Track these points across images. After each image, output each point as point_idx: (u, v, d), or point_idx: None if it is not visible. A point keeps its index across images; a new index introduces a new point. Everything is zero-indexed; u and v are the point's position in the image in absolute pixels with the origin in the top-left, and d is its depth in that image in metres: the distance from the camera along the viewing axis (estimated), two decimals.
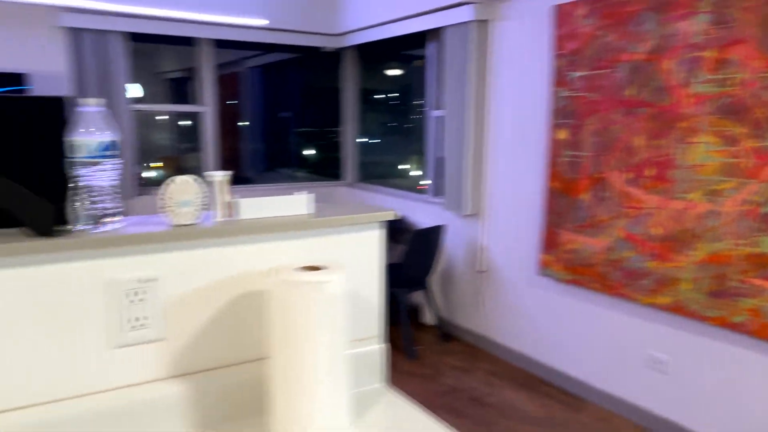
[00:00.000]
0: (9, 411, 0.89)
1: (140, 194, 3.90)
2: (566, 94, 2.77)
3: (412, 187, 4.34)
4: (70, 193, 0.94)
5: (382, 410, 1.08)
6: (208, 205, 1.03)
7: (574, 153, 2.77)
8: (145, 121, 4.16)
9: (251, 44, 4.35)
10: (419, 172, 4.45)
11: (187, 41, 4.09)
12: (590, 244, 2.72)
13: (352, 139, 4.77)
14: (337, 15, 4.36)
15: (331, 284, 0.94)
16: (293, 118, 5.15)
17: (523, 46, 3.05)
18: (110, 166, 0.94)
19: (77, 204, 0.94)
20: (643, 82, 2.44)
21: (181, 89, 4.76)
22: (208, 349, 1.03)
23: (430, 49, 3.81)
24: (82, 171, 0.92)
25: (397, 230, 4.00)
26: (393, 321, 3.77)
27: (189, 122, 4.35)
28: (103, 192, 0.94)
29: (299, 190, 0.98)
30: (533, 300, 3.10)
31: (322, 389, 0.95)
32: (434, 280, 3.76)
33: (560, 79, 2.79)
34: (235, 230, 1.03)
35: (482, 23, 3.23)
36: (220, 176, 1.05)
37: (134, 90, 4.04)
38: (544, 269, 2.97)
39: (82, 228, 0.94)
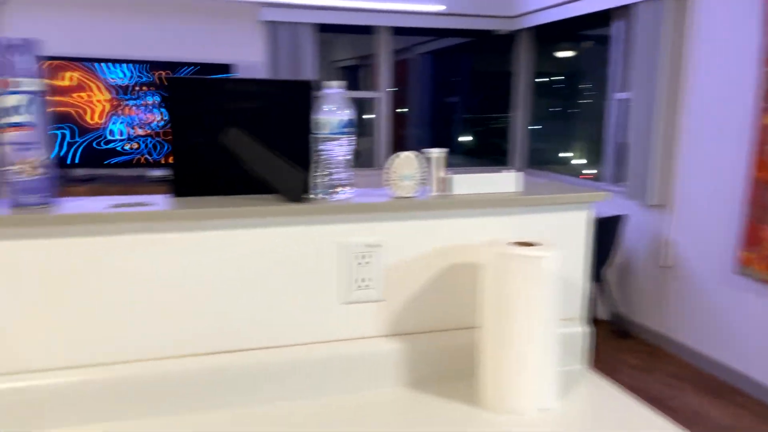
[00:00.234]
0: (256, 350, 1.03)
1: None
2: None
3: (574, 175, 4.16)
4: (312, 165, 1.06)
5: (588, 391, 1.07)
6: (425, 180, 1.10)
7: None
8: None
9: (426, 30, 4.45)
10: (583, 161, 4.25)
11: (366, 30, 4.29)
12: None
13: (522, 124, 4.68)
14: None
15: (547, 260, 0.96)
16: (459, 103, 5.19)
17: (726, 22, 2.76)
18: (346, 141, 1.04)
19: (317, 175, 1.06)
20: None
21: (351, 77, 5.03)
22: (421, 313, 1.11)
23: (615, 28, 3.60)
24: (323, 146, 1.04)
25: None
26: None
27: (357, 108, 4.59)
28: (339, 165, 1.05)
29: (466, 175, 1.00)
30: (727, 300, 2.82)
31: (531, 362, 0.98)
32: (610, 273, 3.58)
33: None
34: (449, 204, 1.08)
35: None
36: (437, 153, 1.11)
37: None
38: (743, 268, 2.69)
39: (321, 196, 1.06)
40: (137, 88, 3.70)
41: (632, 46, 3.28)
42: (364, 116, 4.47)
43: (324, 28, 4.11)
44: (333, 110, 1.03)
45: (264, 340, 1.04)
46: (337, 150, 1.04)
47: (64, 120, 3.64)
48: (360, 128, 4.52)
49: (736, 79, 2.72)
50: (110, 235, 0.94)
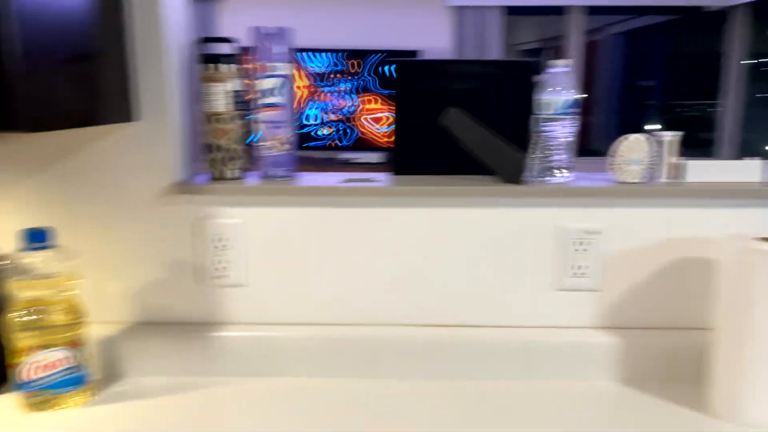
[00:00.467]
0: (465, 326, 1.05)
1: None
2: None
3: None
4: (530, 146, 1.05)
5: None
6: (654, 165, 1.03)
7: None
8: None
9: (625, 8, 4.13)
10: None
11: (557, 10, 4.11)
12: None
13: (733, 111, 4.16)
14: None
15: None
16: (655, 88, 4.75)
17: None
18: (570, 122, 1.01)
19: (536, 157, 1.04)
20: None
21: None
22: (642, 308, 1.04)
23: None
24: (545, 126, 1.01)
25: None
26: None
27: None
28: (560, 146, 1.02)
29: None
30: None
31: None
32: None
33: None
34: (682, 192, 1.00)
35: None
36: (670, 137, 1.02)
37: None
38: None
39: (539, 179, 1.04)
40: (332, 76, 3.96)
41: None
42: None
43: (511, 11, 4.02)
44: (558, 90, 1.00)
45: (473, 318, 1.06)
46: (560, 131, 1.01)
47: None
48: None
49: None
50: (341, 207, 1.02)
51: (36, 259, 0.90)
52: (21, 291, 0.90)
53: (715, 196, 1.00)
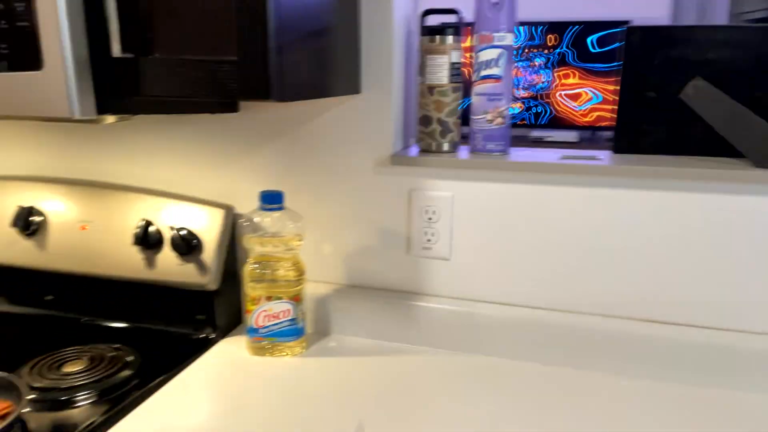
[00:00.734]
0: (688, 326, 0.94)
1: None
2: None
3: None
4: None
5: None
6: None
7: None
8: None
9: None
10: None
11: None
12: None
13: None
14: None
15: None
16: None
17: None
18: None
19: None
20: None
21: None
22: None
23: None
24: None
25: None
26: None
27: None
28: None
29: None
30: None
31: None
32: None
33: None
34: None
35: None
36: None
37: None
38: None
39: None
40: (526, 50, 3.81)
41: None
42: None
43: None
44: None
45: (703, 318, 0.94)
46: None
47: None
48: None
49: None
50: (558, 185, 0.96)
51: (269, 218, 0.99)
52: (254, 246, 1.00)
53: None
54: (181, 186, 1.15)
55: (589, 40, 3.63)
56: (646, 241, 0.94)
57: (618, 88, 0.99)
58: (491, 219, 1.01)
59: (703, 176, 0.89)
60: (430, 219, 1.03)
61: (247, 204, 1.12)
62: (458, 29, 0.99)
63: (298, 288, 1.02)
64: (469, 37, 1.09)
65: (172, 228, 1.05)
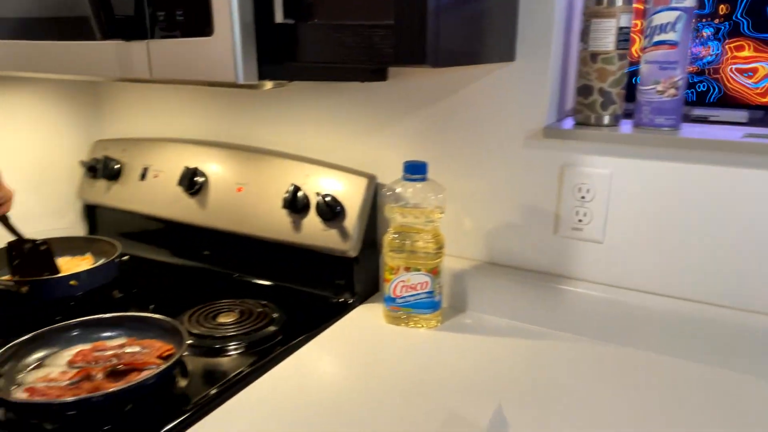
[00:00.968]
0: None
1: None
2: None
3: None
4: None
5: None
6: None
7: None
8: None
9: None
10: None
11: None
12: None
13: None
14: None
15: None
16: None
17: None
18: None
19: None
20: None
21: None
22: None
23: None
24: None
25: None
26: None
27: None
28: None
29: None
30: None
31: None
32: None
33: None
34: None
35: None
36: None
37: None
38: None
39: None
40: (694, 20, 3.43)
41: None
42: None
43: None
44: None
45: None
46: None
47: None
48: None
49: None
50: (739, 166, 0.85)
51: (411, 189, 0.98)
52: (395, 216, 1.00)
53: None
54: (327, 153, 1.17)
55: None
56: None
57: None
58: (654, 201, 0.92)
59: None
60: (583, 198, 0.96)
61: (389, 173, 1.12)
62: None
63: (437, 261, 1.00)
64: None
65: (318, 194, 1.08)
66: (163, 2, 0.76)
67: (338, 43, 0.72)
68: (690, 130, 0.90)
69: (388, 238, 1.01)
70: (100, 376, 0.81)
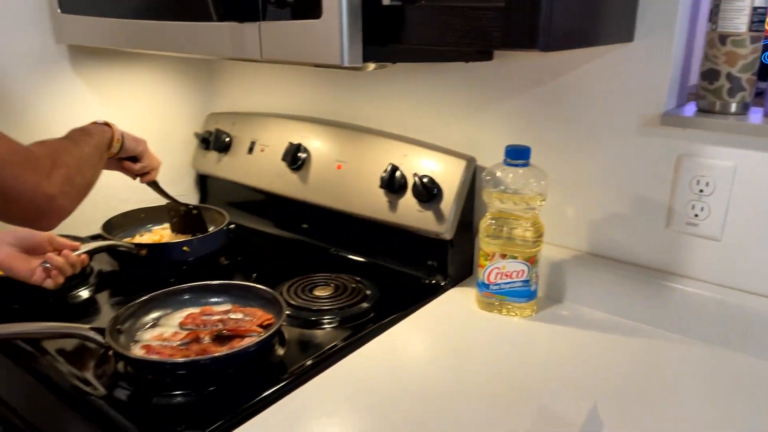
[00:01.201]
0: None
1: None
2: None
3: None
4: None
5: None
6: None
7: None
8: None
9: None
10: None
11: None
12: None
13: None
14: None
15: None
16: None
17: None
18: None
19: None
20: None
21: None
22: None
23: None
24: None
25: None
26: None
27: None
28: None
29: None
30: None
31: None
32: None
33: None
34: None
35: None
36: None
37: None
38: None
39: None
40: None
41: None
42: None
43: None
44: None
45: None
46: None
47: None
48: None
49: None
50: None
51: (512, 174, 0.95)
52: (494, 201, 0.98)
53: None
54: (427, 134, 1.16)
55: None
56: None
57: None
58: None
59: None
60: (701, 191, 0.89)
61: (489, 156, 1.09)
62: None
63: (535, 250, 0.97)
64: None
65: (415, 175, 1.07)
66: None
67: (445, 26, 0.70)
68: None
69: (485, 223, 0.99)
70: (207, 339, 0.87)
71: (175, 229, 1.28)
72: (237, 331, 0.89)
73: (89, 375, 0.83)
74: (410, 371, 0.85)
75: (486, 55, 1.01)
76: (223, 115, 1.46)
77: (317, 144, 1.25)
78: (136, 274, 1.17)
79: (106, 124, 0.99)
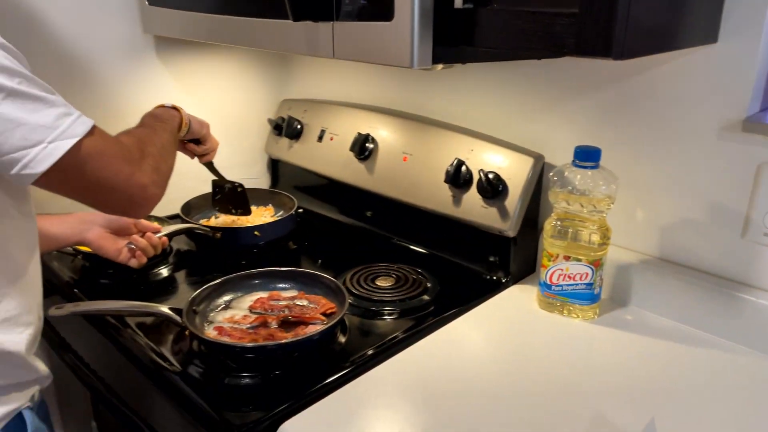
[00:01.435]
0: None
1: None
2: None
3: None
4: None
5: None
6: None
7: None
8: None
9: None
10: None
11: None
12: None
13: None
14: None
15: None
16: None
17: None
18: None
19: None
20: None
21: None
22: None
23: None
24: None
25: None
26: None
27: None
28: None
29: None
30: None
31: None
32: None
33: None
34: None
35: None
36: None
37: None
38: None
39: None
40: None
41: None
42: None
43: None
44: None
45: None
46: None
47: None
48: None
49: None
50: None
51: (580, 175, 0.94)
52: (560, 202, 0.96)
53: None
54: (494, 129, 1.16)
55: None
56: None
57: None
58: None
59: None
60: None
61: (558, 155, 1.08)
62: None
63: (600, 253, 0.96)
64: None
65: (481, 171, 1.07)
66: None
67: (517, 30, 0.70)
68: None
69: (550, 223, 0.98)
70: (274, 324, 0.92)
71: (217, 206, 1.31)
72: (302, 318, 0.93)
73: (166, 351, 0.89)
74: (467, 368, 0.87)
75: (558, 53, 0.98)
76: (296, 102, 1.50)
77: (385, 134, 1.27)
78: (211, 255, 1.24)
79: (174, 108, 1.02)
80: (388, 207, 1.27)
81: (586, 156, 0.92)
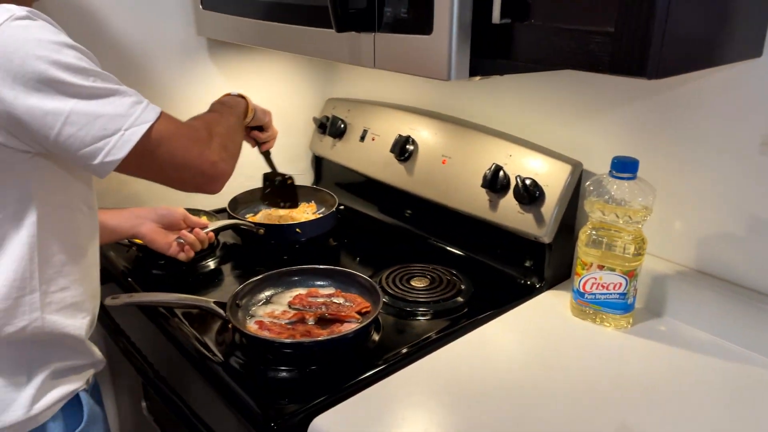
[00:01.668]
0: None
1: None
2: None
3: None
4: None
5: None
6: None
7: None
8: None
9: None
10: None
11: None
12: None
13: None
14: None
15: None
16: None
17: None
18: None
19: None
20: None
21: None
22: None
23: None
24: None
25: None
26: None
27: None
28: None
29: None
30: None
31: None
32: None
33: None
34: None
35: None
36: None
37: None
38: None
39: None
40: None
41: None
42: None
43: None
44: None
45: None
46: None
47: None
48: None
49: None
50: None
51: (617, 186, 0.94)
52: (596, 211, 0.97)
53: None
54: (533, 134, 1.16)
55: None
56: None
57: None
58: None
59: None
60: None
61: (596, 163, 1.08)
62: None
63: (635, 264, 0.96)
64: None
65: (518, 176, 1.09)
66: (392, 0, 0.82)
67: (553, 46, 0.71)
68: None
69: (585, 232, 0.99)
70: (311, 321, 0.97)
71: (266, 200, 1.36)
72: (338, 315, 0.97)
73: (210, 341, 0.95)
74: (498, 371, 0.89)
75: (593, 70, 0.98)
76: (341, 101, 1.54)
77: (425, 136, 1.29)
78: (255, 249, 1.30)
79: (240, 96, 1.07)
80: (426, 208, 1.30)
81: (623, 167, 0.93)
